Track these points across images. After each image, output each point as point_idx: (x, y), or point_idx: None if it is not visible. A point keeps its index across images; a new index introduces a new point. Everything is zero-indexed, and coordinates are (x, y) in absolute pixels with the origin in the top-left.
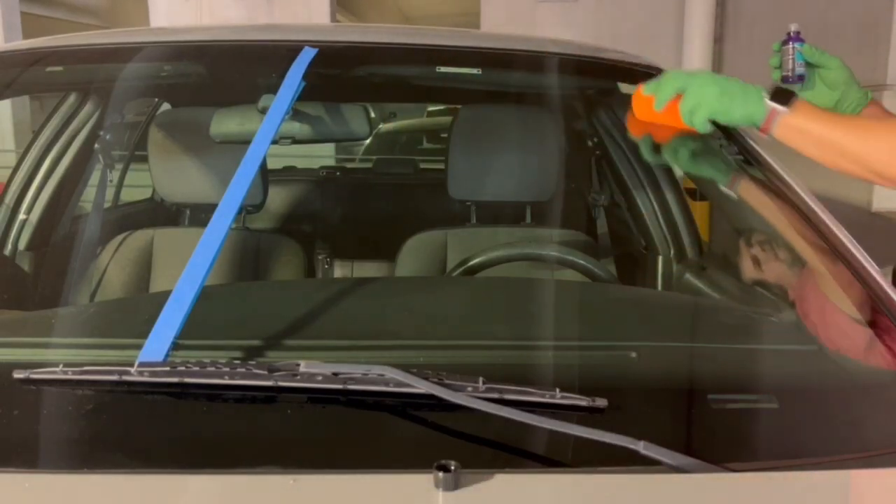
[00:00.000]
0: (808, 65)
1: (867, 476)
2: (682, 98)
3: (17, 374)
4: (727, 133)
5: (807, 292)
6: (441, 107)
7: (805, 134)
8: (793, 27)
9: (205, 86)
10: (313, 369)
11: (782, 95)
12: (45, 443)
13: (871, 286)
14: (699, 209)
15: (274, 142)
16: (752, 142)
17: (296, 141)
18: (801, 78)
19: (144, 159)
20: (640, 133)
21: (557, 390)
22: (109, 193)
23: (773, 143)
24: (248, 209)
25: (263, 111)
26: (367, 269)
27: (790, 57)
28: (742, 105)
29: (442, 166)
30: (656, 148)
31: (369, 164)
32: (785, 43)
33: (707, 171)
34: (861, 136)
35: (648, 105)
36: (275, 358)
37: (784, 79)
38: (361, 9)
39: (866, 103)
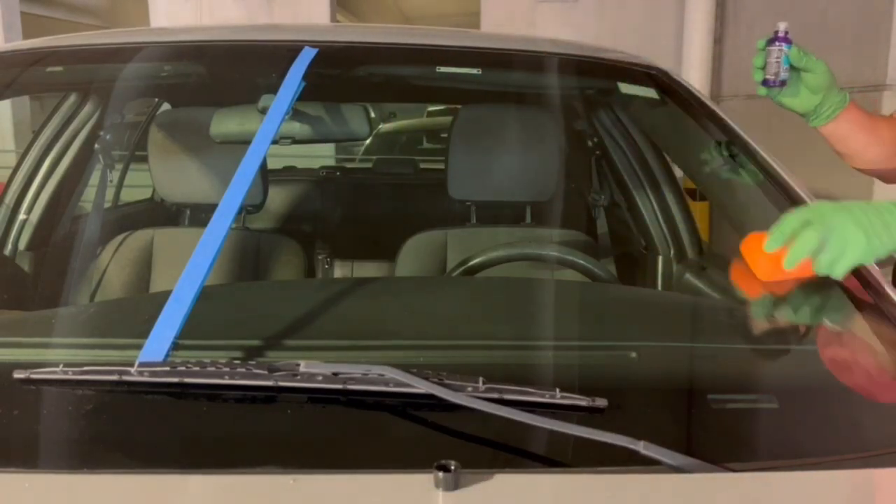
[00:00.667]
0: (793, 68)
1: (867, 476)
2: (823, 254)
3: (17, 374)
4: (725, 130)
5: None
6: (441, 107)
7: None
8: (781, 27)
9: (205, 86)
10: (313, 369)
11: None
12: (45, 443)
13: (872, 286)
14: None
15: (274, 142)
16: (751, 141)
17: (296, 141)
18: (783, 83)
19: (144, 159)
20: (758, 293)
21: (557, 390)
22: (109, 193)
23: (774, 143)
24: (248, 209)
25: (263, 111)
26: (367, 269)
27: (776, 59)
28: (889, 237)
29: (442, 166)
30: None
31: (369, 164)
32: (771, 43)
33: (707, 171)
34: None
35: (774, 263)
36: (275, 358)
37: (766, 82)
38: (361, 9)
39: (845, 106)
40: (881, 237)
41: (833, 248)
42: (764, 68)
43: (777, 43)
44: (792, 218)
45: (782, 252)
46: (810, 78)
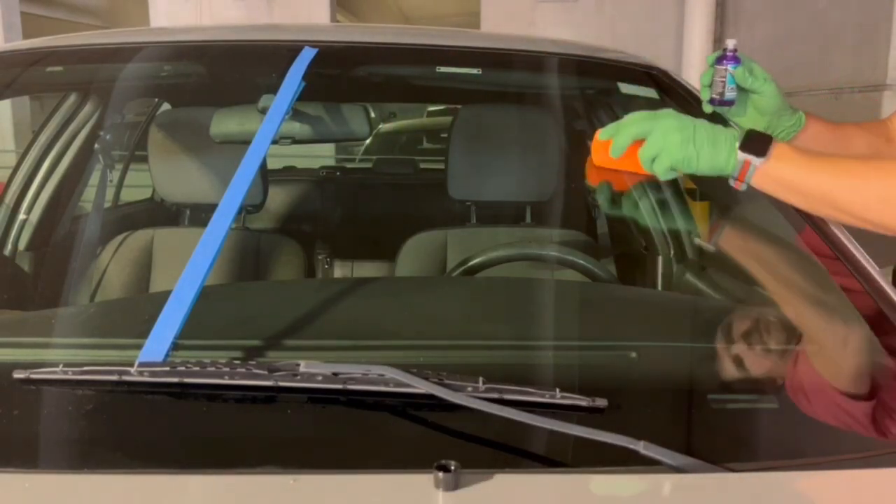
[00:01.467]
0: (741, 88)
1: (867, 476)
2: (642, 145)
3: (17, 374)
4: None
5: (799, 372)
6: (441, 107)
7: (786, 185)
8: (730, 44)
9: (205, 86)
10: (313, 369)
11: (758, 141)
12: (45, 443)
13: (872, 286)
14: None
15: (274, 142)
16: None
17: (296, 141)
18: (729, 102)
19: (144, 159)
20: (598, 180)
21: (557, 390)
22: (109, 193)
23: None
24: (248, 209)
25: (263, 111)
26: (367, 269)
27: (720, 79)
28: (710, 155)
29: (442, 166)
30: (615, 196)
31: (369, 164)
32: (719, 61)
33: None
34: (851, 182)
35: (607, 151)
36: (275, 358)
37: (712, 101)
38: (361, 9)
39: (801, 128)
40: (702, 147)
41: (651, 145)
42: (711, 86)
43: (725, 62)
44: (631, 115)
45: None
46: (757, 99)
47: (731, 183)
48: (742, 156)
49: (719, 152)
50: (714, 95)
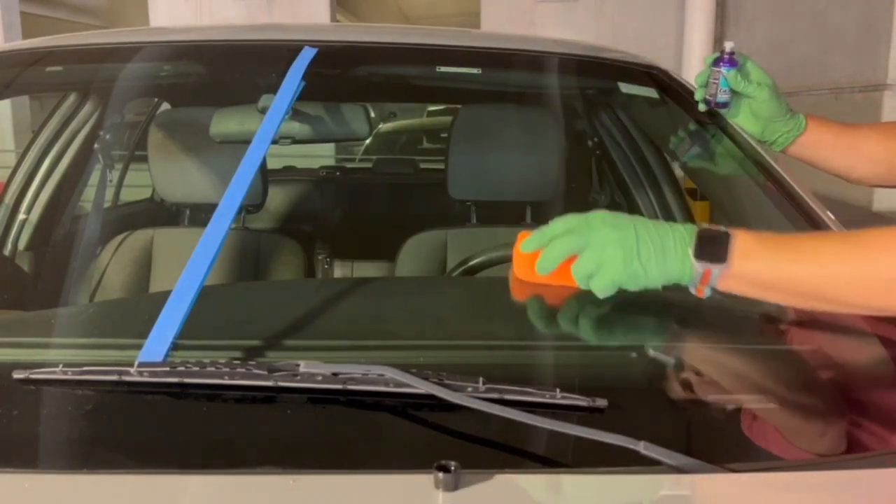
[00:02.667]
0: (737, 91)
1: (867, 476)
2: (576, 259)
3: (17, 374)
4: (724, 129)
5: None
6: (441, 107)
7: (760, 285)
8: (727, 46)
9: (205, 86)
10: (313, 369)
11: (713, 243)
12: (45, 443)
13: None
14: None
15: (274, 142)
16: (751, 140)
17: (296, 141)
18: (722, 105)
19: (144, 159)
20: (525, 296)
21: (557, 390)
22: (109, 193)
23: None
24: (248, 209)
25: (263, 111)
26: (367, 269)
27: (714, 80)
28: (659, 268)
29: (442, 166)
30: (547, 313)
31: (369, 164)
32: (716, 63)
33: (707, 171)
34: (843, 269)
35: (531, 265)
36: (275, 358)
37: (707, 102)
38: (361, 9)
39: (800, 132)
40: (648, 264)
41: (587, 261)
42: (706, 87)
43: (721, 64)
44: (559, 222)
45: (538, 255)
46: (752, 103)
47: (692, 290)
48: (701, 265)
49: (670, 263)
50: (708, 97)
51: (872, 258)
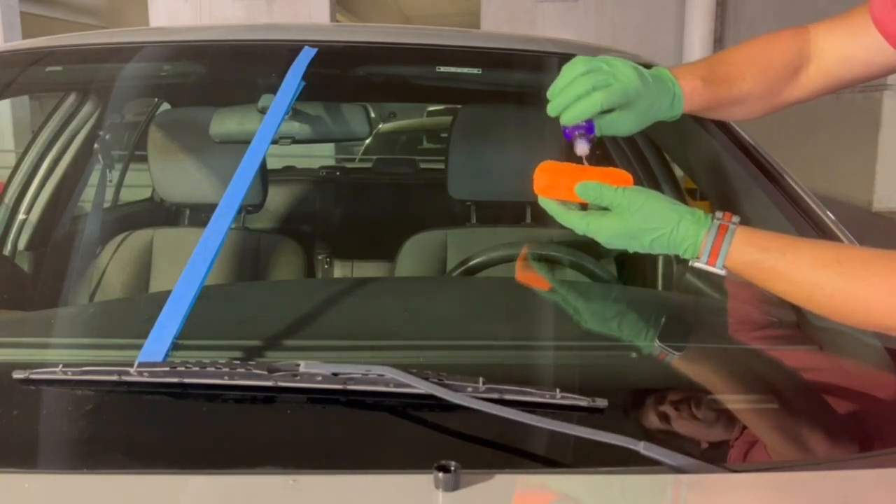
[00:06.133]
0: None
1: (867, 476)
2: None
3: (17, 374)
4: (725, 128)
5: None
6: (441, 107)
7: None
8: (581, 149)
9: (205, 86)
10: (313, 369)
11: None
12: (45, 443)
13: None
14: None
15: (274, 142)
16: (751, 140)
17: (296, 141)
18: (588, 130)
19: (144, 159)
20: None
21: (557, 390)
22: (109, 193)
23: (773, 142)
24: (248, 209)
25: (263, 111)
26: (367, 269)
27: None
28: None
29: (442, 166)
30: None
31: (369, 164)
32: (569, 135)
33: (707, 170)
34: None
35: (554, 180)
36: (275, 358)
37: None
38: (361, 9)
39: (682, 102)
40: (653, 247)
41: (621, 222)
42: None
43: (576, 136)
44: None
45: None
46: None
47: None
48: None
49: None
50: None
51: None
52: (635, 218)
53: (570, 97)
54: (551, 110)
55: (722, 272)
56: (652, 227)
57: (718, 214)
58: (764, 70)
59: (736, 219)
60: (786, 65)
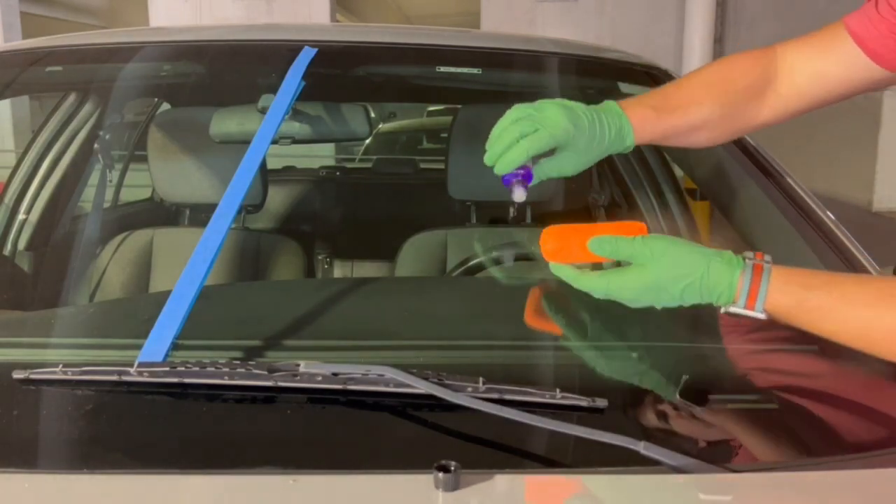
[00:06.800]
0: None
1: (867, 476)
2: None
3: (17, 374)
4: None
5: None
6: (441, 107)
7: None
8: (518, 196)
9: (204, 86)
10: (313, 369)
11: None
12: (44, 443)
13: None
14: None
15: (274, 142)
16: (751, 140)
17: (296, 141)
18: (525, 177)
19: (144, 159)
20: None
21: (557, 390)
22: (109, 193)
23: (773, 142)
24: (248, 209)
25: (263, 111)
26: (367, 269)
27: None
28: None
29: (442, 166)
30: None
31: (369, 164)
32: (507, 182)
33: (707, 170)
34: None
35: (568, 245)
36: (275, 358)
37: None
38: (361, 9)
39: (630, 132)
40: (684, 299)
41: (641, 278)
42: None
43: (514, 184)
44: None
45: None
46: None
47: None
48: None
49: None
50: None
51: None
52: (660, 267)
53: (502, 147)
54: (488, 160)
55: (762, 316)
56: (680, 275)
57: (749, 254)
58: (723, 93)
59: (768, 257)
60: (748, 86)
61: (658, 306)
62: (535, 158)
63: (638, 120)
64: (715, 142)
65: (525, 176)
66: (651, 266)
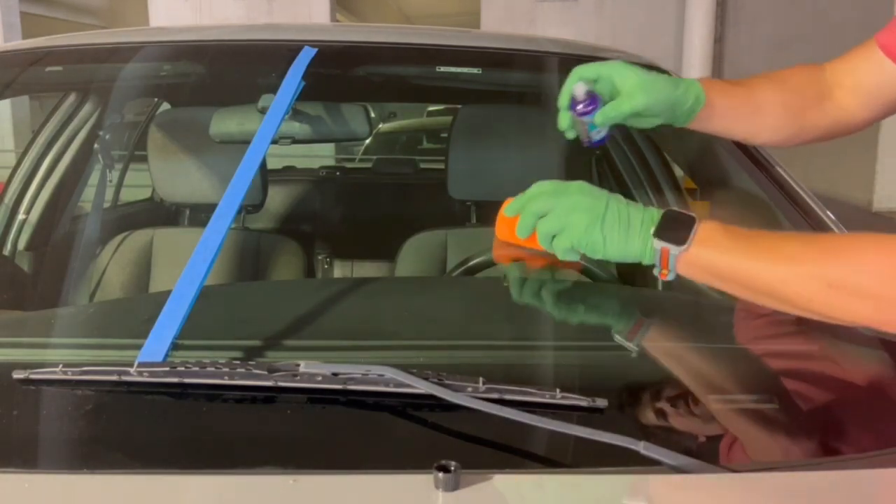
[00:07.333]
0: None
1: (867, 476)
2: (542, 220)
3: (17, 374)
4: None
5: None
6: (441, 107)
7: (714, 273)
8: (578, 93)
9: (205, 86)
10: (313, 369)
11: (677, 226)
12: (44, 443)
13: None
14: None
15: (274, 142)
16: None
17: (296, 141)
18: (600, 143)
19: (144, 159)
20: (507, 260)
21: (557, 390)
22: (109, 193)
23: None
24: (248, 209)
25: (263, 111)
26: (367, 269)
27: (583, 128)
28: (620, 242)
29: (442, 166)
30: (525, 279)
31: (369, 164)
32: (573, 109)
33: (707, 171)
34: (791, 269)
35: (512, 227)
36: (275, 358)
37: (584, 142)
38: (361, 9)
39: (700, 106)
40: (610, 234)
41: (552, 220)
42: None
43: (578, 110)
44: (537, 186)
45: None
46: (636, 120)
47: (656, 273)
48: (659, 244)
49: (632, 239)
50: (584, 141)
51: (821, 262)
52: (571, 189)
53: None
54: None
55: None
56: (597, 194)
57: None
58: (780, 82)
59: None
60: (805, 82)
61: (598, 252)
62: (597, 99)
63: (709, 84)
64: (776, 133)
65: (592, 102)
66: (564, 195)
